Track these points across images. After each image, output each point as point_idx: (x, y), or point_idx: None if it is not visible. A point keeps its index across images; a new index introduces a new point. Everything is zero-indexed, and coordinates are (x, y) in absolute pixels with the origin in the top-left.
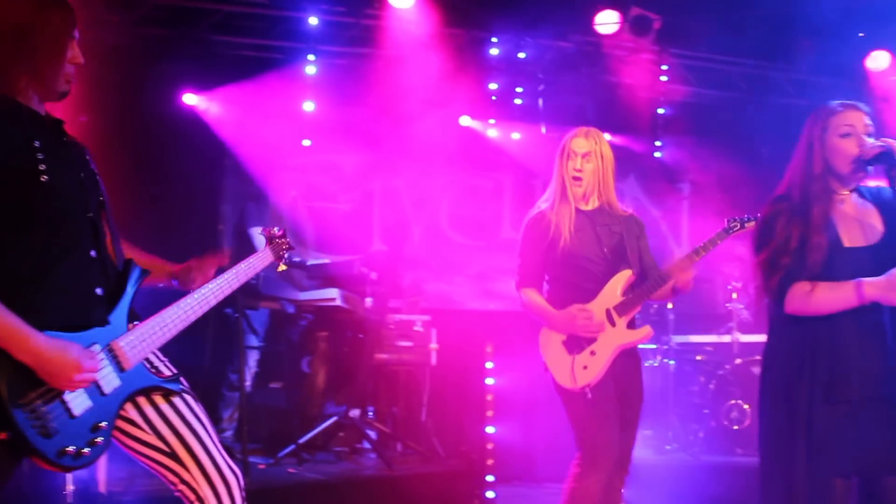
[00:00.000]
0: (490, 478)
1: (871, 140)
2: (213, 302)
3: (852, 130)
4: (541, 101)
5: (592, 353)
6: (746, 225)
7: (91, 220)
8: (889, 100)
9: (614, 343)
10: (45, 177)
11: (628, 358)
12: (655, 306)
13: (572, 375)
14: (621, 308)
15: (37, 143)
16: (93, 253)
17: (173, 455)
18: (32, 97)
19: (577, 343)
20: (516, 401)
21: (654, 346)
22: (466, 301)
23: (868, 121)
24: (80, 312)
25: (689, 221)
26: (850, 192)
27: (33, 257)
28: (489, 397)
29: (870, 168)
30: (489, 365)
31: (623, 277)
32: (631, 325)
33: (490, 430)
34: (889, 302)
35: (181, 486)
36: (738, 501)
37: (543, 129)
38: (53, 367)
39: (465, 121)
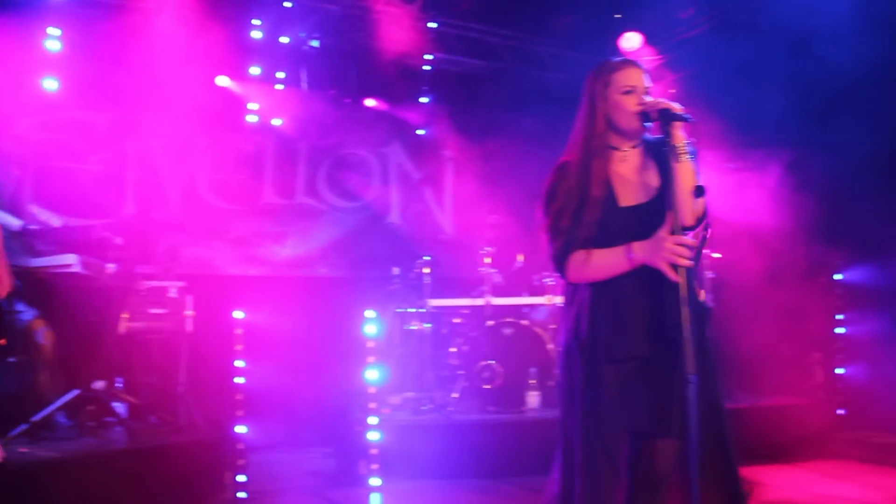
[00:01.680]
0: (242, 446)
1: (649, 98)
2: None
3: (632, 88)
4: (304, 78)
5: None
6: None
7: None
8: None
9: None
10: None
11: None
12: (415, 272)
13: None
14: None
15: None
16: None
17: None
18: None
19: None
20: (270, 366)
21: (412, 310)
22: (226, 266)
23: (647, 79)
24: None
25: (452, 187)
26: (633, 147)
27: None
28: (239, 363)
29: (649, 125)
30: (239, 331)
31: None
32: None
33: (240, 397)
34: (655, 264)
35: None
36: (487, 455)
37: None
38: None
39: (224, 82)
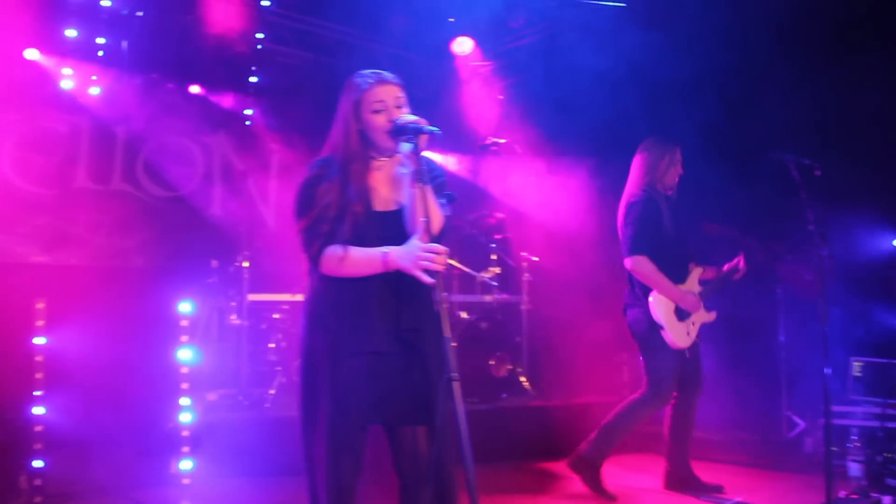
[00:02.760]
0: (40, 446)
1: (401, 112)
2: None
3: (383, 106)
4: (126, 59)
5: (693, 323)
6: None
7: None
8: (469, 82)
9: (702, 319)
10: None
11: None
12: (235, 266)
13: (684, 337)
14: (703, 295)
15: None
16: None
17: None
18: None
19: (683, 314)
20: (74, 363)
21: (231, 305)
22: (30, 254)
23: (398, 92)
24: None
25: (277, 181)
26: (390, 157)
27: None
28: (39, 358)
29: (400, 140)
30: (40, 323)
31: (699, 272)
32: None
33: (38, 393)
34: (408, 270)
35: None
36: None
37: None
38: None
39: (34, 55)
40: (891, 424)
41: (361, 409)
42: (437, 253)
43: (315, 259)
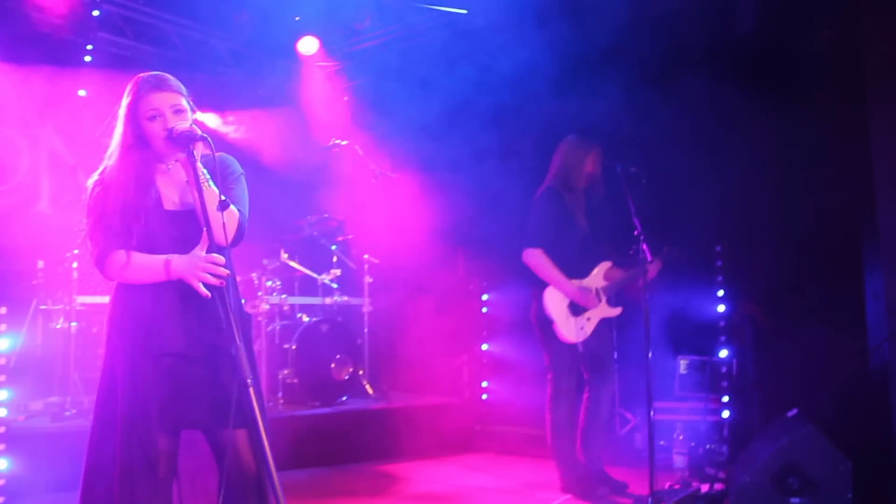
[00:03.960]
0: None
1: (179, 119)
2: None
3: (157, 113)
4: None
5: (588, 318)
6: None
7: None
8: (313, 82)
9: (601, 314)
10: None
11: (605, 325)
12: (63, 267)
13: (576, 332)
14: (606, 289)
15: None
16: None
17: None
18: None
19: (577, 309)
20: None
21: (58, 307)
22: None
23: (175, 99)
24: None
25: None
26: (176, 161)
27: None
28: None
29: (176, 147)
30: None
31: (606, 267)
32: (610, 302)
33: None
34: (188, 280)
35: None
36: None
37: None
38: None
39: None
40: (712, 418)
41: (161, 413)
42: (216, 264)
43: (100, 266)
